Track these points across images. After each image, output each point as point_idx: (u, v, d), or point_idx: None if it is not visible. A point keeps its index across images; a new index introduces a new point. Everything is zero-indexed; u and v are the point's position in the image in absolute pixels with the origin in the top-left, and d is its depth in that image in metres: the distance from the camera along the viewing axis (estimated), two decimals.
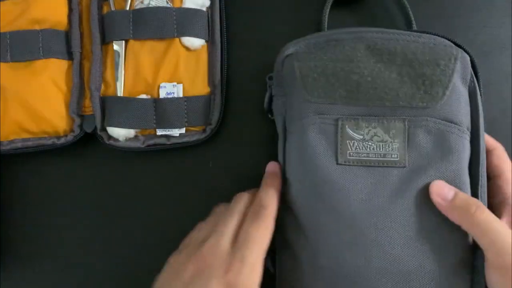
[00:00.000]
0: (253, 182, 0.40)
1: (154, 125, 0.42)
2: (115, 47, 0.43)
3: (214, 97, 0.43)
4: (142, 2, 0.43)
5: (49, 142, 0.43)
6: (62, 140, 0.43)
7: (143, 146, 0.43)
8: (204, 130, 0.43)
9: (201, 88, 0.43)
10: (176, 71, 0.42)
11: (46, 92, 0.42)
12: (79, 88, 0.43)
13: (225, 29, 0.43)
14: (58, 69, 0.43)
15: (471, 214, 0.33)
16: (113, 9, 0.44)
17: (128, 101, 0.42)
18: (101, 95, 0.43)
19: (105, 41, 0.44)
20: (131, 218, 0.44)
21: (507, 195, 0.36)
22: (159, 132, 0.43)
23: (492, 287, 0.33)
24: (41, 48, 0.42)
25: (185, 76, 0.42)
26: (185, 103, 0.42)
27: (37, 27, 0.43)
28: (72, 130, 0.43)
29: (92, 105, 0.43)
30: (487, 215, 0.33)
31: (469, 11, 0.44)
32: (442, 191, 0.34)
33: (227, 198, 0.38)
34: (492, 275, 0.33)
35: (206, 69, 0.43)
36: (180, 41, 0.42)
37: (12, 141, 0.43)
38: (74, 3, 0.44)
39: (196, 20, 0.42)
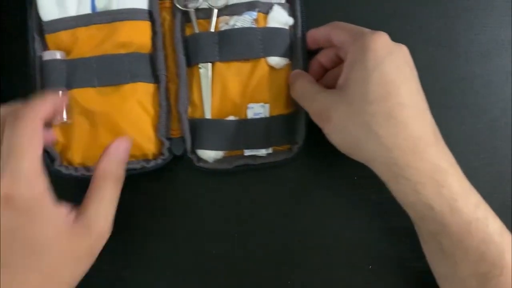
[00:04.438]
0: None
1: (242, 146, 0.43)
2: (202, 70, 0.43)
3: (298, 115, 0.43)
4: (227, 23, 0.42)
5: (139, 166, 0.43)
6: (152, 164, 0.43)
7: (231, 167, 0.43)
8: (290, 149, 0.43)
9: (286, 106, 0.43)
10: (262, 91, 0.42)
11: (135, 116, 0.42)
12: (166, 111, 0.43)
13: (306, 47, 0.43)
14: (145, 92, 0.42)
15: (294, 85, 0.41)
16: (196, 31, 0.43)
17: (217, 124, 0.42)
18: (188, 117, 0.43)
19: (190, 64, 0.43)
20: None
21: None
22: (247, 152, 0.43)
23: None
24: (128, 72, 0.42)
25: (271, 96, 0.43)
26: (272, 122, 0.42)
27: (122, 51, 0.42)
28: (161, 153, 0.43)
29: (182, 128, 0.43)
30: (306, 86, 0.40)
31: (469, 11, 0.44)
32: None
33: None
34: None
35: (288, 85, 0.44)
36: (265, 61, 0.42)
37: None
38: (158, 26, 0.43)
39: (280, 40, 0.42)
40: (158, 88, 0.43)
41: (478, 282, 0.32)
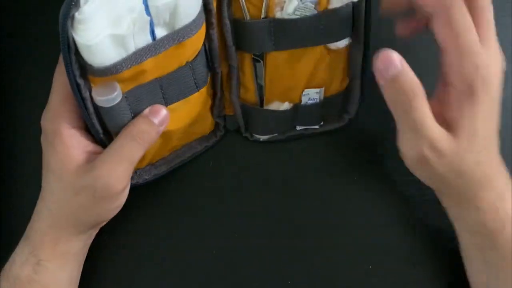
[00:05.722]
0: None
1: (295, 124, 0.44)
2: (256, 62, 0.41)
3: (352, 88, 0.42)
4: (282, 10, 0.37)
5: (202, 147, 0.45)
6: (212, 142, 0.45)
7: (283, 137, 0.45)
8: (341, 117, 0.44)
9: (339, 85, 0.43)
10: (319, 76, 0.41)
11: (201, 115, 0.42)
12: (221, 97, 0.43)
13: (370, 24, 0.38)
14: (206, 89, 0.41)
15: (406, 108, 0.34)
16: (247, 17, 0.38)
17: (270, 113, 0.43)
18: (240, 101, 0.43)
19: (239, 48, 0.40)
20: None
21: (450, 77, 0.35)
22: (299, 128, 0.45)
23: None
24: (194, 81, 0.39)
25: (327, 79, 0.41)
26: (326, 103, 0.43)
27: (185, 61, 0.37)
28: (219, 130, 0.45)
29: (235, 112, 0.44)
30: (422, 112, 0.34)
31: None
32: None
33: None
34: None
35: (345, 63, 0.41)
36: (324, 46, 0.39)
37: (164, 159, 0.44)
38: (212, 16, 0.37)
39: (343, 21, 0.38)
40: (213, 78, 0.42)
41: None
